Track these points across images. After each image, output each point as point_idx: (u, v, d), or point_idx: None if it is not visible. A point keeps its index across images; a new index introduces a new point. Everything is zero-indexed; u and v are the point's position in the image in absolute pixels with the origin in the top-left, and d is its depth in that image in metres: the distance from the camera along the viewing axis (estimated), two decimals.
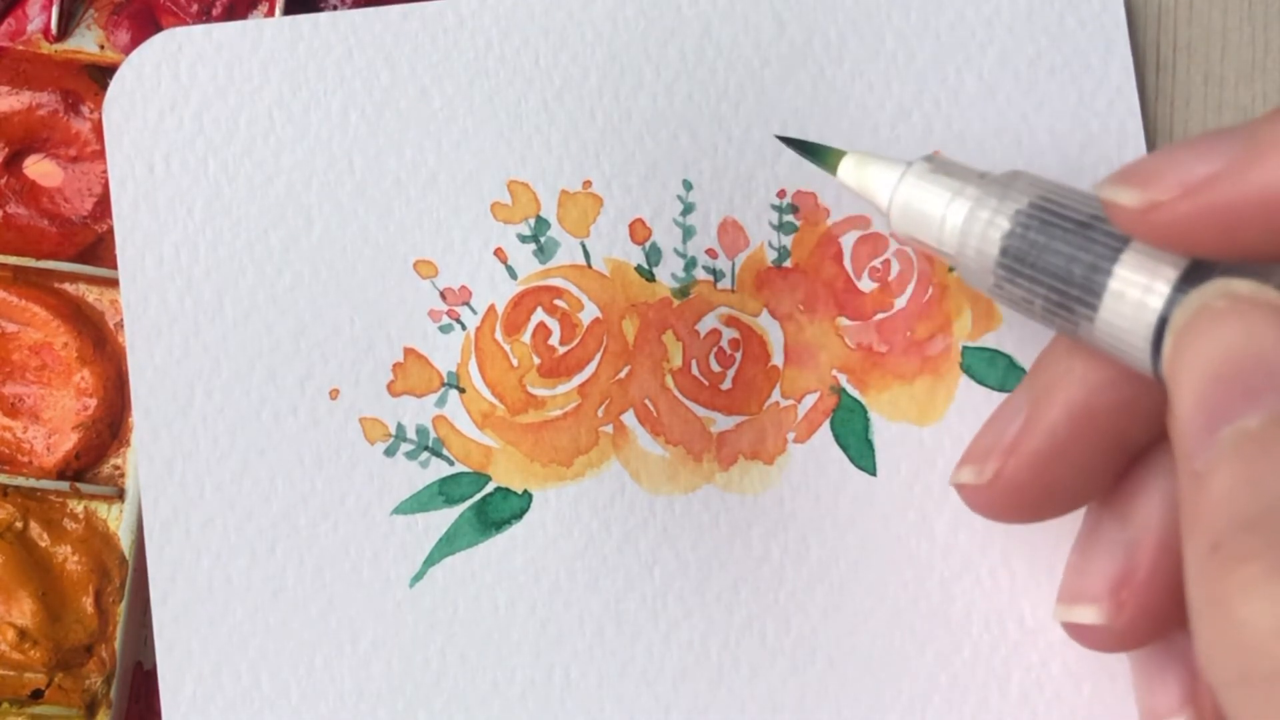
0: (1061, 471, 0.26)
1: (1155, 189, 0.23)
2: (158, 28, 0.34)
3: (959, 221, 0.26)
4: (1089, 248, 0.24)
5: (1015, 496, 0.27)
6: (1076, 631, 0.27)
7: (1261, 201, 0.22)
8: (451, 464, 0.32)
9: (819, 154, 0.29)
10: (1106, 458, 0.26)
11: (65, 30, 0.34)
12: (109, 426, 0.33)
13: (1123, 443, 0.26)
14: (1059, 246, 0.24)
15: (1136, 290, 0.23)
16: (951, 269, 0.32)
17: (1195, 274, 0.23)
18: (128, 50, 0.33)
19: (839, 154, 0.29)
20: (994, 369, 0.32)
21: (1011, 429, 0.27)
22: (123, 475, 0.33)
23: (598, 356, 0.32)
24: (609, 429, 0.32)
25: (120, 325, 0.33)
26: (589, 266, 0.32)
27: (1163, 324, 0.23)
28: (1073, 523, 0.28)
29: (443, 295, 0.32)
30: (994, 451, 0.27)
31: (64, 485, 0.32)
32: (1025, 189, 0.26)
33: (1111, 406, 0.26)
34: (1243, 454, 0.20)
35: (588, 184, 0.33)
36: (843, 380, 0.32)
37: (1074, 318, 0.24)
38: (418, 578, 0.31)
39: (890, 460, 0.32)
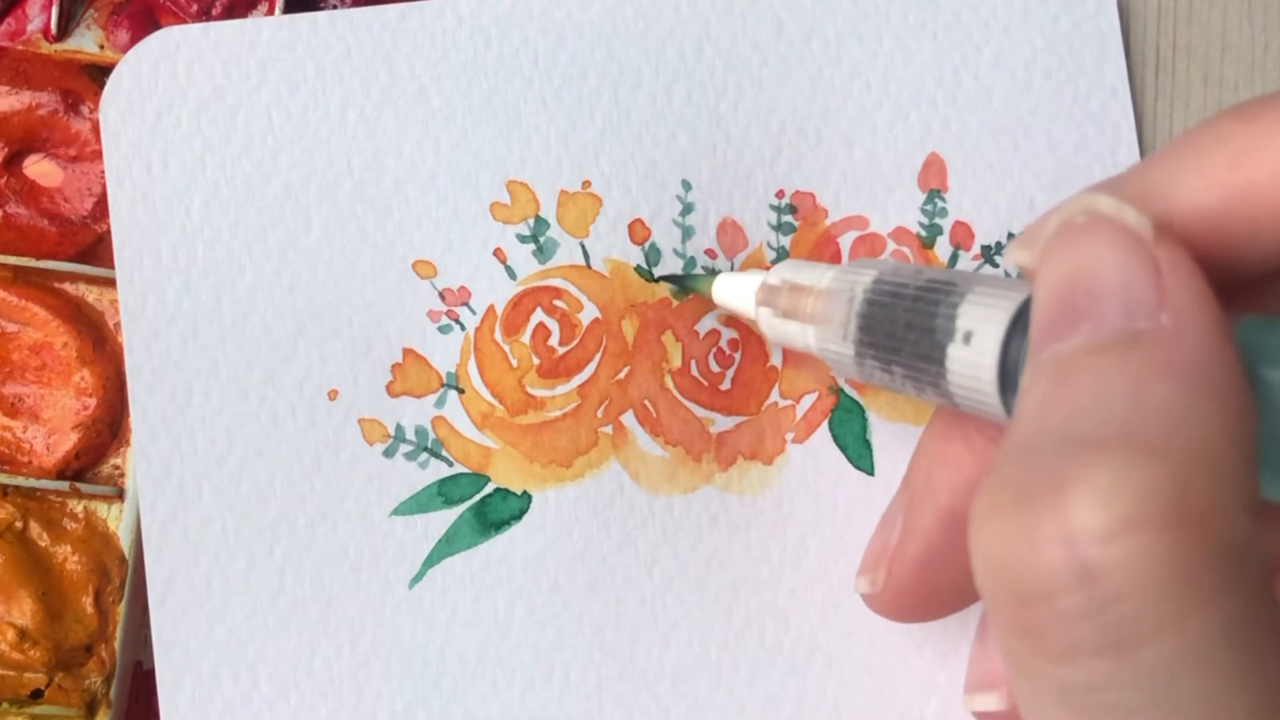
0: (943, 574, 0.26)
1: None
2: (157, 27, 0.34)
3: (817, 310, 0.27)
4: (930, 305, 0.24)
5: (907, 601, 0.27)
6: None
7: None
8: (451, 465, 0.32)
9: (694, 284, 0.31)
10: None
11: (65, 30, 0.34)
12: (109, 426, 0.33)
13: None
14: (903, 310, 0.24)
15: (975, 336, 0.23)
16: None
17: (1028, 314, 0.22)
18: (127, 50, 0.33)
19: (709, 279, 0.30)
20: None
21: (894, 536, 0.27)
22: (123, 475, 0.33)
23: (597, 357, 0.32)
24: (608, 429, 0.32)
25: (120, 325, 0.33)
26: (588, 267, 0.32)
27: (1003, 364, 0.22)
28: None
29: (442, 296, 0.32)
30: (881, 559, 0.27)
31: (64, 485, 0.32)
32: (869, 269, 0.26)
33: None
34: (1046, 378, 0.19)
35: (587, 184, 0.32)
36: (841, 380, 0.32)
37: (931, 377, 0.24)
38: (417, 579, 0.31)
39: (888, 460, 0.32)
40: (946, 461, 0.26)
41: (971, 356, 0.23)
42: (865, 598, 0.28)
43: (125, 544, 0.32)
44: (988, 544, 0.18)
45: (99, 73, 0.34)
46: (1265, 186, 0.20)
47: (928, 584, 0.27)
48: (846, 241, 0.32)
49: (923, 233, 0.32)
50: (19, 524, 0.33)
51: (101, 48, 0.34)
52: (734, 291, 0.30)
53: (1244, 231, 0.20)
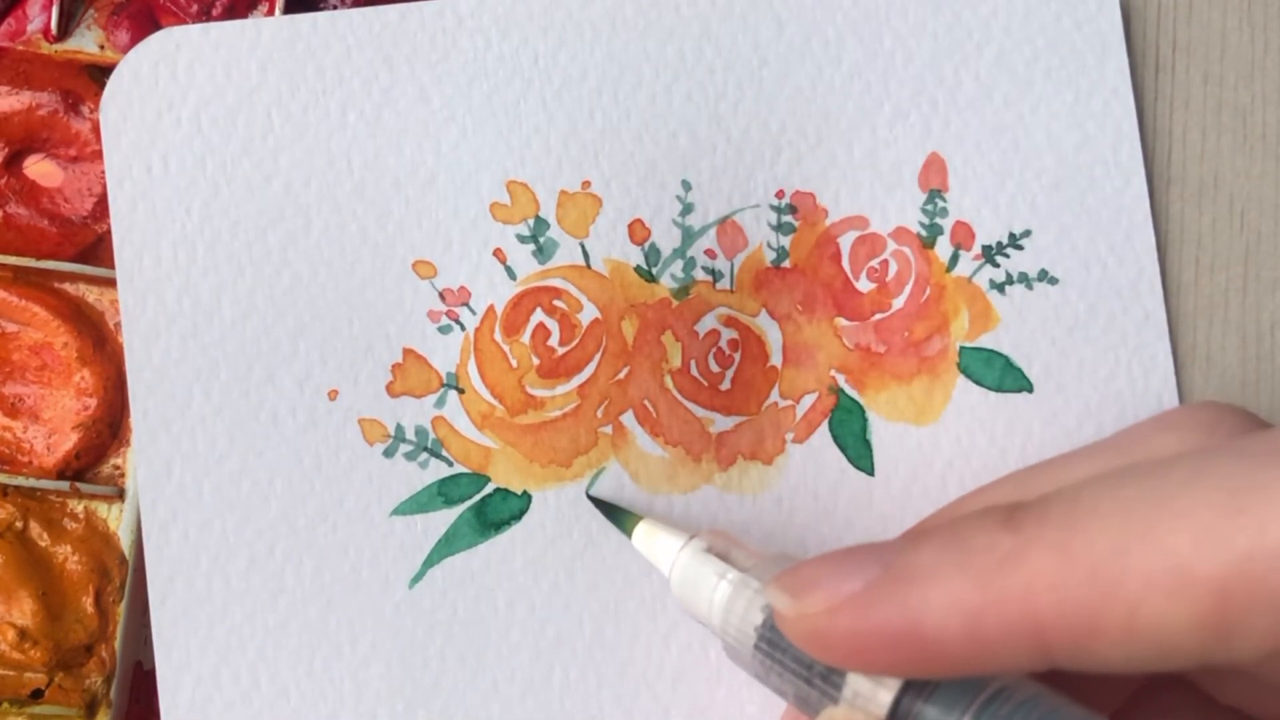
0: None
1: (806, 600, 0.24)
2: (158, 28, 0.34)
3: (722, 603, 0.27)
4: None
5: None
6: None
7: (883, 632, 0.23)
8: (451, 465, 0.32)
9: (617, 518, 0.31)
10: None
11: (65, 30, 0.34)
12: (109, 426, 0.33)
13: None
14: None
15: (866, 689, 0.24)
16: (949, 269, 0.33)
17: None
18: (128, 50, 0.33)
19: (635, 519, 0.30)
20: (991, 369, 0.32)
21: None
22: (123, 475, 0.33)
23: (597, 357, 0.32)
24: (608, 429, 0.32)
25: (120, 325, 0.33)
26: (588, 267, 0.32)
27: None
28: None
29: (442, 296, 0.32)
30: None
31: (64, 485, 0.32)
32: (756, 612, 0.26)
33: None
34: None
35: (587, 184, 0.33)
36: (841, 380, 0.32)
37: (820, 709, 0.25)
38: (417, 579, 0.31)
39: (888, 460, 0.32)
40: None
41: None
42: None
43: (125, 544, 0.32)
44: None
45: (99, 73, 0.34)
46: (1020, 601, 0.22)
47: None
48: (847, 241, 0.32)
49: (923, 232, 0.32)
50: (19, 524, 0.33)
51: (101, 48, 0.34)
52: (650, 553, 0.29)
53: (1001, 642, 0.22)
